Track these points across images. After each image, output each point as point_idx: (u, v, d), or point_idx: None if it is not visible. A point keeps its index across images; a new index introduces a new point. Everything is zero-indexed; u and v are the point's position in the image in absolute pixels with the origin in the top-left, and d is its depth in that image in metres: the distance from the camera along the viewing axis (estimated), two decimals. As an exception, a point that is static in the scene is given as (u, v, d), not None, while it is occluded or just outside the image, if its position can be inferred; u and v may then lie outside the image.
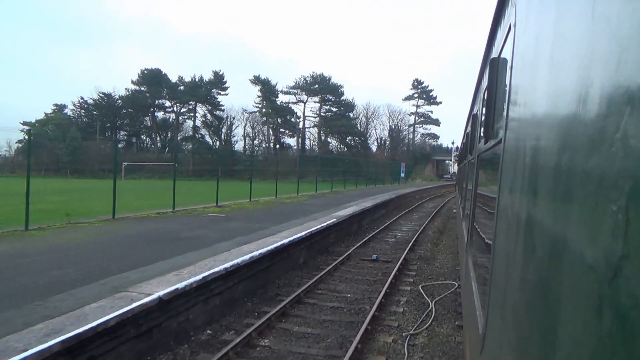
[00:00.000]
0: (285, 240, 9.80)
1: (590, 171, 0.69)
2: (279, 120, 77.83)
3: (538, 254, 1.02)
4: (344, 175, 44.48)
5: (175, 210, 15.32)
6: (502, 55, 2.30)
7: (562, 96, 0.91)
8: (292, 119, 71.31)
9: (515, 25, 1.78)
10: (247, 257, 7.90)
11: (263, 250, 8.47)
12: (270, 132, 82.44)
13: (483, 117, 2.91)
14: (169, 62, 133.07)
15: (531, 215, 1.16)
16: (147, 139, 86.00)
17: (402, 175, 50.02)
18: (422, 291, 9.32)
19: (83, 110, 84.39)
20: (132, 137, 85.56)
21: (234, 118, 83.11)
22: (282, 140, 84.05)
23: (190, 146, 69.38)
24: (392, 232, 17.89)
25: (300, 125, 75.34)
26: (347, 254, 12.55)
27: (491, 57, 2.76)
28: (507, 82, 1.87)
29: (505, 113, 1.86)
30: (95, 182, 50.81)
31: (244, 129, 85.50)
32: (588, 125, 0.71)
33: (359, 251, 13.30)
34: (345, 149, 72.41)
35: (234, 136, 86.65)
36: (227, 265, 7.19)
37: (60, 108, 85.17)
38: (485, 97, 2.92)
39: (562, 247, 0.82)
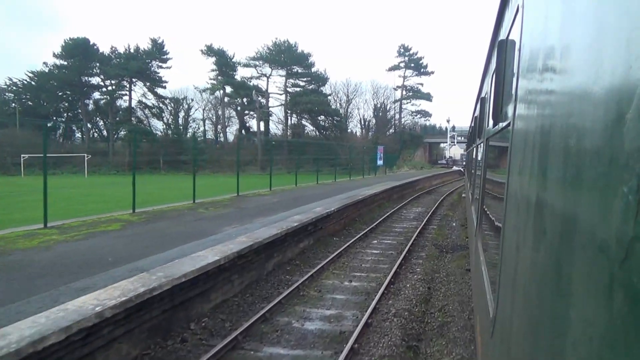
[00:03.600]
0: None
1: (601, 152, 0.68)
2: (245, 101, 64.92)
3: (548, 236, 1.02)
4: (307, 165, 32.39)
5: None
6: (510, 37, 2.26)
7: (572, 77, 0.91)
8: (253, 97, 58.16)
9: (523, 6, 1.77)
10: None
11: None
12: (234, 114, 69.84)
13: (492, 100, 2.95)
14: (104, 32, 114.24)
15: (541, 198, 1.14)
16: (90, 125, 72.89)
17: (380, 162, 37.14)
18: None
19: (12, 94, 71.16)
20: (72, 123, 72.26)
21: (192, 100, 70.44)
22: (247, 125, 71.47)
23: (124, 133, 56.04)
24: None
25: (266, 106, 62.25)
26: None
27: (499, 39, 2.78)
28: (516, 64, 1.86)
29: (514, 95, 1.85)
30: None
31: (203, 112, 73.05)
32: (599, 106, 0.70)
33: None
34: (317, 132, 59.45)
35: (194, 120, 74.32)
36: None
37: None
38: (494, 80, 2.91)
39: (573, 229, 0.81)
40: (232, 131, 74.42)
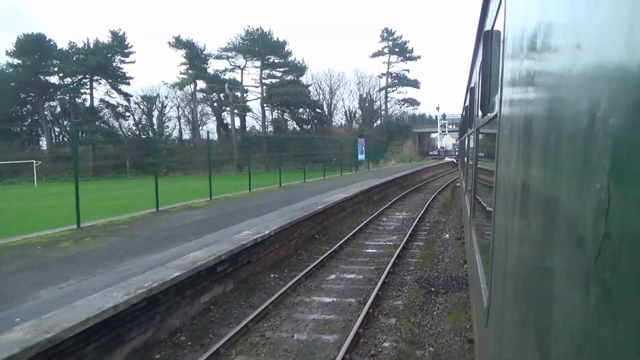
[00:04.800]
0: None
1: (577, 147, 0.68)
2: (221, 96, 60.28)
3: (533, 229, 1.02)
4: (286, 162, 28.15)
5: None
6: (495, 28, 2.26)
7: (549, 71, 0.91)
8: (226, 91, 53.49)
9: None
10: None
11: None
12: (209, 110, 65.51)
13: (480, 91, 2.96)
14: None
15: (526, 190, 1.15)
16: (58, 128, 67.74)
17: (362, 157, 32.78)
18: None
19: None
20: (34, 126, 67.02)
21: (165, 98, 65.86)
22: (225, 122, 67.00)
23: (88, 135, 51.04)
24: None
25: (242, 100, 57.63)
26: None
27: (485, 30, 2.77)
28: (501, 55, 1.85)
29: (499, 86, 1.85)
30: None
31: (178, 109, 68.64)
32: (572, 104, 0.71)
33: None
34: (297, 126, 54.94)
35: (169, 119, 69.86)
36: None
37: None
38: (481, 71, 2.89)
39: (554, 224, 0.82)
40: (209, 129, 70.18)
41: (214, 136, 67.30)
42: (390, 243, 11.71)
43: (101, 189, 31.00)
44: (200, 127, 67.76)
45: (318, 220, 12.56)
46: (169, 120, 69.48)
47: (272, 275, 8.81)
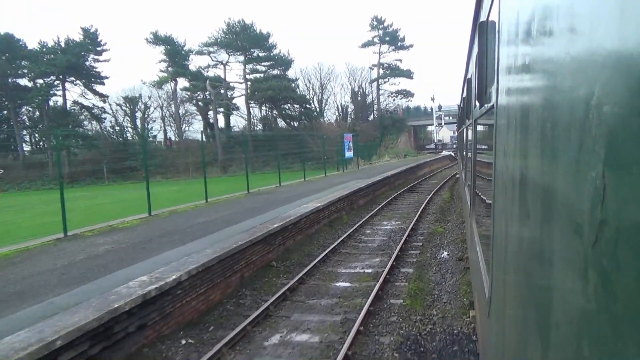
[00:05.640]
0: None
1: (572, 137, 0.69)
2: (206, 95, 57.19)
3: (531, 220, 1.03)
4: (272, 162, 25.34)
5: None
6: (490, 18, 2.24)
7: (544, 60, 0.91)
8: (207, 89, 50.38)
9: None
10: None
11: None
12: (194, 109, 62.50)
13: (476, 82, 2.98)
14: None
15: (523, 180, 1.15)
16: (37, 134, 64.40)
17: (349, 154, 29.74)
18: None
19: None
20: (12, 132, 63.77)
21: (149, 98, 62.77)
22: (211, 121, 63.94)
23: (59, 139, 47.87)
24: None
25: (225, 97, 54.47)
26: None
27: (480, 21, 2.77)
28: (496, 46, 1.85)
29: (495, 77, 1.85)
30: None
31: (161, 110, 65.50)
32: (567, 92, 0.71)
33: None
34: (284, 122, 51.78)
35: (154, 120, 66.76)
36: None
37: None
38: (477, 61, 2.89)
39: (552, 213, 0.82)
40: (195, 129, 67.27)
41: (199, 136, 64.35)
42: (370, 271, 8.79)
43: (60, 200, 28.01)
44: (187, 128, 64.84)
45: (276, 241, 9.62)
46: (154, 121, 66.43)
47: (183, 342, 5.88)
